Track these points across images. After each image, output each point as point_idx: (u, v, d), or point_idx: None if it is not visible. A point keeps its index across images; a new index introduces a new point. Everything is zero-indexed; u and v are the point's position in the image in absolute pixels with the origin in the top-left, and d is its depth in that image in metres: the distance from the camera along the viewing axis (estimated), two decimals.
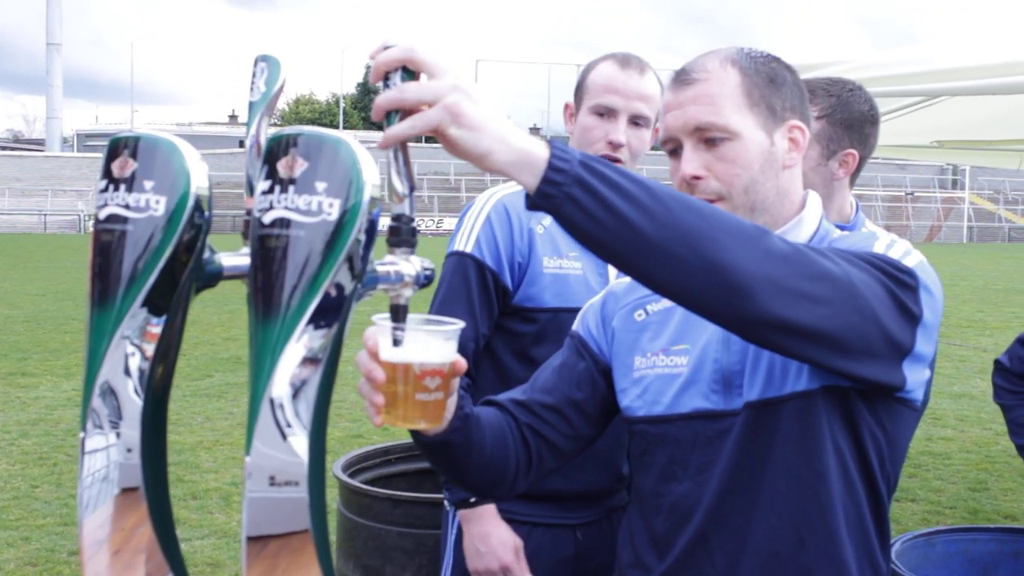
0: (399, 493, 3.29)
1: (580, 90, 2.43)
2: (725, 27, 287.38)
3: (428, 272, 1.18)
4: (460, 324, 1.25)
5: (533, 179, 1.20)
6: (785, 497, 1.50)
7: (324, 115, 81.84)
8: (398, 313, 1.19)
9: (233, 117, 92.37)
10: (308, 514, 0.97)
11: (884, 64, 5.07)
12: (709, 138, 1.52)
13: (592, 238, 1.22)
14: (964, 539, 3.06)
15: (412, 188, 1.17)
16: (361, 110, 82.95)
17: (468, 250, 2.41)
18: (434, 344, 1.23)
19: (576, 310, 2.32)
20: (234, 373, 10.27)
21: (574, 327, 1.80)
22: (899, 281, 1.41)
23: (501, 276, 2.41)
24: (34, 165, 59.22)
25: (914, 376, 1.49)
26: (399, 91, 1.16)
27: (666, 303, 1.64)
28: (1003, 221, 65.64)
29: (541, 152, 1.20)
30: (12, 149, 74.24)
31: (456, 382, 1.42)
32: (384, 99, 1.16)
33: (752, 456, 1.52)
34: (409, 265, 1.15)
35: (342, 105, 75.25)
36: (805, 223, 1.61)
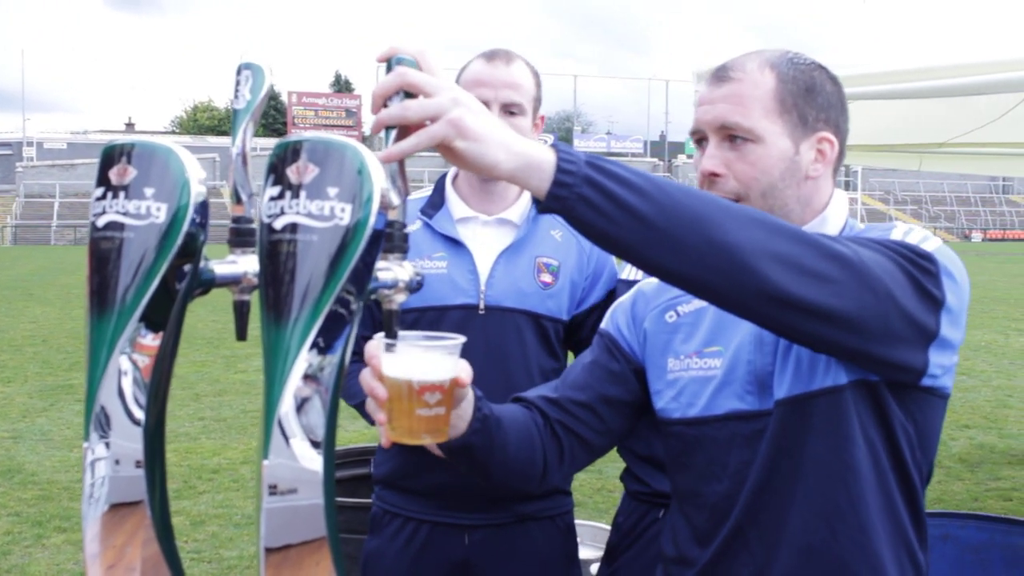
0: (342, 500, 3.26)
1: None
2: (619, 33, 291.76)
3: (418, 278, 1.18)
4: (460, 339, 1.26)
5: (543, 183, 1.22)
6: (816, 490, 1.51)
7: (223, 122, 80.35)
8: (391, 318, 1.19)
9: (130, 125, 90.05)
10: (324, 521, 0.97)
11: None
12: (733, 136, 1.53)
13: (604, 234, 1.25)
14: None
15: (405, 196, 1.19)
16: (262, 116, 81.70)
17: None
18: (433, 360, 1.23)
19: (440, 308, 2.38)
20: None
21: (603, 325, 1.80)
22: (918, 265, 1.41)
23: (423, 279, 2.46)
24: None
25: (940, 360, 1.47)
26: (402, 108, 1.18)
27: (697, 304, 1.65)
28: (893, 220, 67.87)
29: (548, 156, 1.22)
30: None
31: (467, 393, 1.45)
32: (387, 116, 1.18)
33: (785, 453, 1.52)
34: (402, 271, 1.15)
35: None
36: (829, 221, 1.61)
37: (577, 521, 2.66)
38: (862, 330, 1.36)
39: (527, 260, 2.44)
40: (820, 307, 1.31)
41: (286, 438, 0.97)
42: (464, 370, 1.31)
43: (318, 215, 0.97)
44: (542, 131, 2.50)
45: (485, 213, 2.45)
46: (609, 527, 2.73)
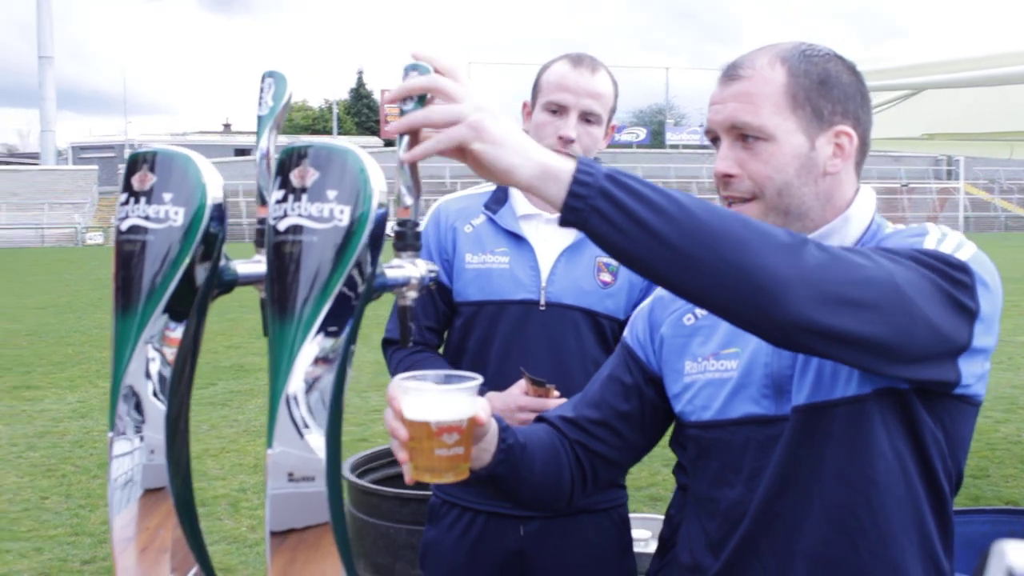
0: (407, 492, 3.34)
1: (535, 88, 2.49)
2: (709, 22, 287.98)
3: (432, 274, 1.23)
4: (478, 380, 1.29)
5: (559, 193, 1.22)
6: (836, 502, 1.46)
7: (317, 121, 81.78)
8: (405, 315, 1.24)
9: (227, 126, 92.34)
10: (327, 507, 1.02)
11: (875, 58, 5.15)
12: (745, 135, 1.50)
13: (619, 249, 1.23)
14: (960, 521, 3.08)
15: (418, 196, 1.23)
16: (354, 115, 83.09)
17: None
18: (450, 401, 1.27)
19: (500, 303, 2.43)
20: (237, 381, 10.34)
21: (624, 335, 1.78)
22: (951, 278, 1.36)
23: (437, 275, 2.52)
24: (29, 179, 59.36)
25: (971, 370, 1.42)
26: (427, 112, 1.22)
27: None
28: (999, 210, 65.68)
29: (566, 167, 1.22)
30: (7, 163, 74.36)
31: (490, 426, 1.47)
32: (411, 120, 1.22)
33: (801, 460, 1.48)
34: (415, 268, 1.20)
35: (335, 111, 75.31)
36: (853, 221, 1.55)
37: (644, 516, 2.68)
38: (896, 354, 1.32)
39: (588, 259, 2.47)
40: (854, 336, 1.27)
41: (292, 428, 1.03)
42: (483, 408, 1.31)
43: (318, 217, 1.02)
44: (617, 129, 2.54)
45: (547, 211, 2.50)
46: None
